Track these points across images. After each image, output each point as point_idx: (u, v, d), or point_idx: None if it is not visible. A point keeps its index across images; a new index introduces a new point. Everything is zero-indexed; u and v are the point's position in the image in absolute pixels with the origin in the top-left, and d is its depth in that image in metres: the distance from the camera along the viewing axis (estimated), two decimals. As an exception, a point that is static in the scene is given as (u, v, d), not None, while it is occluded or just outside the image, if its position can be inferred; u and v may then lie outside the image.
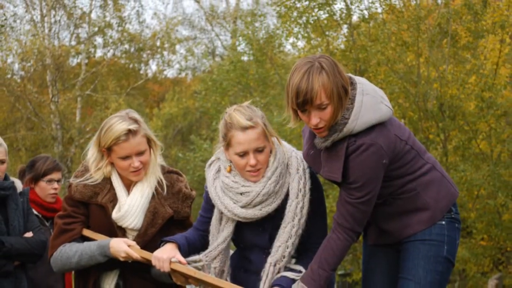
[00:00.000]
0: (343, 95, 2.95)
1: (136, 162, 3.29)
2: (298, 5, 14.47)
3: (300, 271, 3.12)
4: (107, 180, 3.37)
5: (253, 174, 3.10)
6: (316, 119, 2.95)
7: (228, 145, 3.12)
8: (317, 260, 3.05)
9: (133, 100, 22.89)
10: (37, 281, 4.49)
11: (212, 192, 3.19)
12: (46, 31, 20.25)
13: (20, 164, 5.31)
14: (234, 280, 3.21)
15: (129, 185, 3.39)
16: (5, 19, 19.10)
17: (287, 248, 3.10)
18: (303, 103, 2.92)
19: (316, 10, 14.51)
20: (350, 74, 3.08)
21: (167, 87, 27.43)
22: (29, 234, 4.26)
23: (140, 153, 3.31)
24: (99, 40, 21.77)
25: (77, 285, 3.42)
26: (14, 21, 20.05)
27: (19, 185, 4.43)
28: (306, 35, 15.01)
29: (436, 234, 3.11)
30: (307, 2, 14.35)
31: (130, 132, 3.27)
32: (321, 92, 2.90)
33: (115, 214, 3.33)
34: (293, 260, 3.18)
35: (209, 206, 3.25)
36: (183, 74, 28.37)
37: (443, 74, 13.46)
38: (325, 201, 3.31)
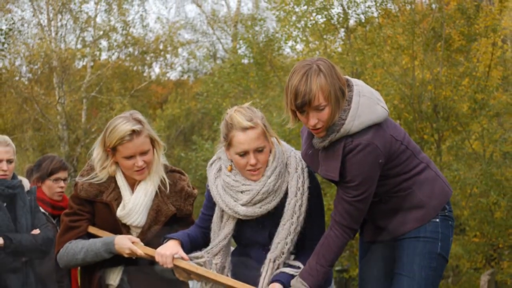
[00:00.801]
0: (340, 97, 2.99)
1: (140, 161, 3.34)
2: (297, 9, 14.51)
3: (298, 267, 3.16)
4: (111, 179, 3.42)
5: (253, 173, 3.14)
6: (314, 120, 2.98)
7: (229, 145, 3.16)
8: (315, 256, 3.08)
9: (137, 102, 22.82)
10: (44, 277, 4.50)
11: (213, 191, 3.23)
12: (53, 34, 20.24)
13: (28, 164, 5.34)
14: (234, 276, 3.24)
15: (133, 184, 3.43)
16: (13, 23, 19.10)
17: (286, 244, 3.14)
18: (302, 104, 2.95)
19: (314, 14, 14.56)
20: (347, 76, 3.11)
21: (169, 89, 27.36)
22: (36, 231, 4.32)
23: (143, 153, 3.35)
24: (104, 43, 21.77)
25: (83, 280, 3.45)
26: (22, 25, 20.05)
27: (26, 183, 4.47)
28: (304, 38, 15.06)
29: (431, 232, 3.15)
30: (305, 7, 14.40)
31: (134, 133, 3.32)
32: (319, 94, 2.94)
33: (119, 212, 3.37)
34: (292, 257, 3.22)
35: (211, 204, 3.29)
36: (185, 77, 28.31)
37: (437, 76, 13.48)
38: (323, 199, 3.34)
